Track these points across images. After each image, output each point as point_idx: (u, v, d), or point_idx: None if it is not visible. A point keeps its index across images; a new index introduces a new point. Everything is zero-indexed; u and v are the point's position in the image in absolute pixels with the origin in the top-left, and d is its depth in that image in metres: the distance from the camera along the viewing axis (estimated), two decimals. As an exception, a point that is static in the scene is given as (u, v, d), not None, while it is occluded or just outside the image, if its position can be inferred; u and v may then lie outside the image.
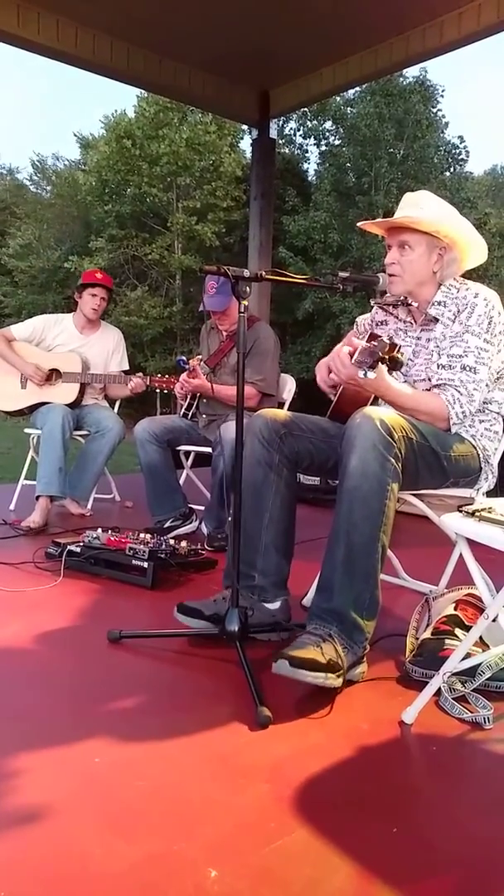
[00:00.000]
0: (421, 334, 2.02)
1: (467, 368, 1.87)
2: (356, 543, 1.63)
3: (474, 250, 1.97)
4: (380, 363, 1.54)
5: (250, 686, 1.56)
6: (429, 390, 1.92)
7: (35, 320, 3.68)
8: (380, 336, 1.55)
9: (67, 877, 1.02)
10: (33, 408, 3.49)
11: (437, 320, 1.96)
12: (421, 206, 1.93)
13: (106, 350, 3.69)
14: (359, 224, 2.08)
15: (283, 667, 1.50)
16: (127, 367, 3.73)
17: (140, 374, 3.47)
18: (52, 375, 3.49)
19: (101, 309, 3.64)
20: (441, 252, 1.94)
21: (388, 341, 1.53)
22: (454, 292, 1.95)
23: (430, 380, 1.93)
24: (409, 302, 1.97)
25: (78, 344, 3.61)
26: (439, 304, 1.96)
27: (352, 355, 1.60)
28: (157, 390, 3.36)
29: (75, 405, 3.47)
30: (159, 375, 3.38)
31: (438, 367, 1.91)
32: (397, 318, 2.10)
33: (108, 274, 3.82)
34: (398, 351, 1.56)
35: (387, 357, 1.53)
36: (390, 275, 1.96)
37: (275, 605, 1.96)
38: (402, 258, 1.94)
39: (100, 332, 3.71)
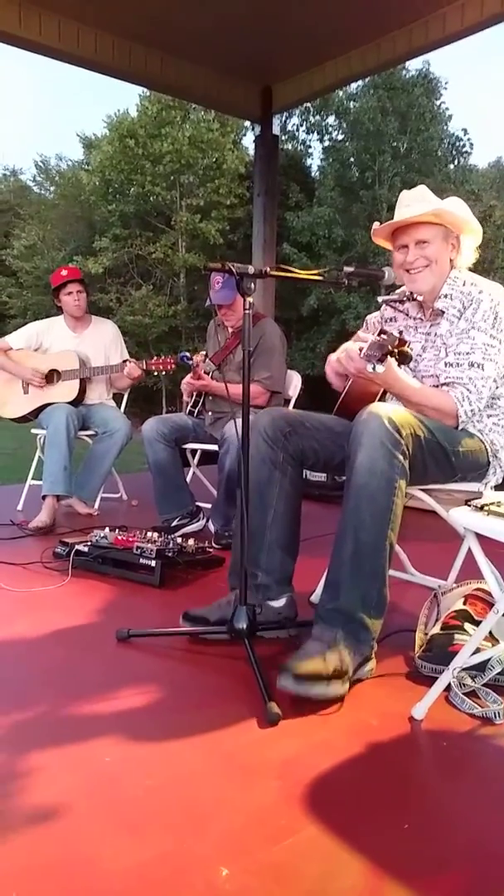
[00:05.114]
0: (430, 329, 2.01)
1: (475, 365, 1.86)
2: (364, 541, 1.63)
3: (476, 233, 1.98)
4: (388, 357, 1.54)
5: (259, 683, 1.56)
6: (437, 387, 1.91)
7: (28, 328, 3.70)
8: (389, 331, 1.56)
9: (78, 875, 1.02)
10: (39, 411, 3.50)
11: (443, 313, 1.95)
12: (429, 200, 1.92)
13: (103, 343, 3.68)
14: (374, 230, 2.00)
15: (288, 682, 1.51)
16: (127, 357, 3.70)
17: (133, 360, 3.50)
18: (53, 376, 3.50)
19: (83, 301, 3.62)
20: (454, 242, 1.95)
21: (396, 335, 1.54)
22: (459, 285, 1.94)
23: (437, 377, 1.92)
24: (416, 297, 1.96)
25: (73, 343, 3.62)
26: (445, 296, 1.95)
27: (361, 350, 1.60)
28: (157, 373, 3.40)
29: (78, 402, 3.48)
30: (155, 358, 3.42)
31: (446, 366, 1.90)
32: (406, 314, 2.09)
33: (73, 266, 3.84)
34: (408, 346, 1.57)
35: (395, 351, 1.54)
36: (415, 271, 1.93)
37: (280, 603, 1.96)
38: (426, 253, 1.92)
39: (92, 326, 3.71)
